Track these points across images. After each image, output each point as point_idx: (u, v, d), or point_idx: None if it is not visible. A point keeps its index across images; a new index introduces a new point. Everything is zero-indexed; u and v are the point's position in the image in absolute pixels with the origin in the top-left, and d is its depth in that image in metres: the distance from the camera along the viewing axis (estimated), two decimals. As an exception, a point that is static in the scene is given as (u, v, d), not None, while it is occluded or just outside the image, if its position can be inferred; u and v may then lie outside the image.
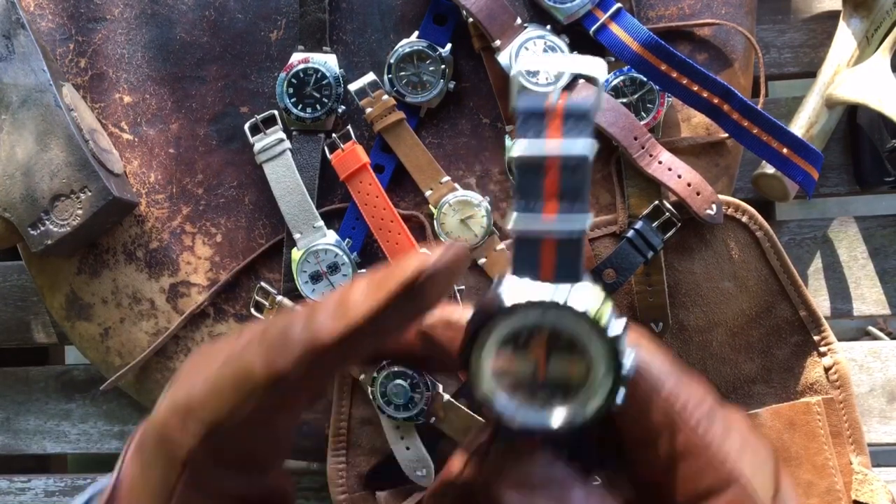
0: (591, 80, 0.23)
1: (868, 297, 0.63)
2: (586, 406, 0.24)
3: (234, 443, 0.26)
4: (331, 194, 0.58)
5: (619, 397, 0.24)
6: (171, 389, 0.27)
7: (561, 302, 0.23)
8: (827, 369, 0.56)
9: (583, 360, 0.24)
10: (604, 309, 0.24)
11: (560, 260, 0.24)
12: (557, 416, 0.25)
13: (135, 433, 0.29)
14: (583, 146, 0.23)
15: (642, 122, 0.54)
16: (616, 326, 0.24)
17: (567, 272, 0.24)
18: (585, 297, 0.24)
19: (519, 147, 0.23)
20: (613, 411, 0.25)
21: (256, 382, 0.24)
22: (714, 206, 0.53)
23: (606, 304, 0.24)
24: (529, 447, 0.26)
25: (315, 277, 0.56)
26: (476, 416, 0.54)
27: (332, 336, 0.24)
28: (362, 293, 0.23)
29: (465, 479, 0.27)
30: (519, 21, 0.54)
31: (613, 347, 0.24)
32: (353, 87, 0.56)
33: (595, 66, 0.23)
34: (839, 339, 0.56)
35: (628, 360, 0.24)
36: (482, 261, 0.56)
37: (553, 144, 0.23)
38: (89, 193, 0.55)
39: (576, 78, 0.54)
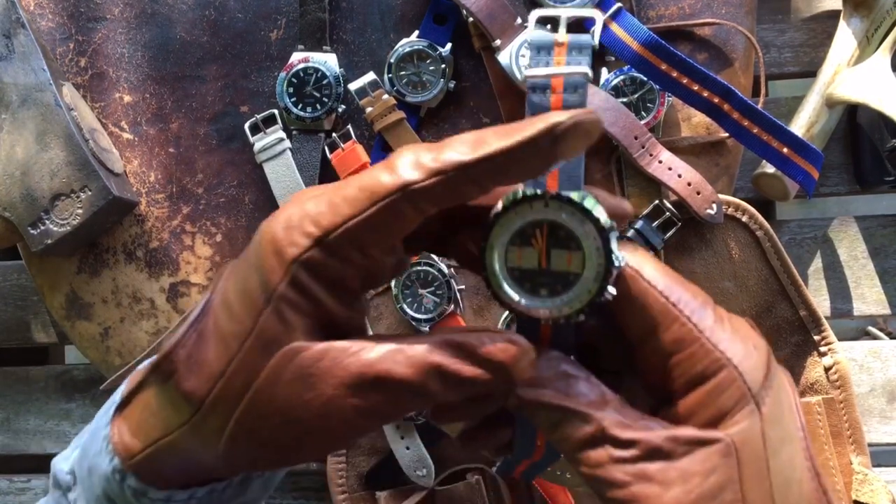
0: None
1: (868, 297, 0.63)
2: (583, 294, 0.28)
3: (336, 260, 0.28)
4: (331, 194, 0.58)
5: (611, 286, 0.28)
6: (275, 214, 0.29)
7: (559, 193, 0.28)
8: (827, 369, 0.56)
9: (579, 252, 0.28)
10: (597, 206, 0.28)
11: (561, 176, 0.28)
12: (558, 303, 0.29)
13: (227, 264, 0.31)
14: (582, 69, 0.28)
15: (642, 122, 0.54)
16: (607, 220, 0.28)
17: (568, 184, 0.28)
18: (579, 194, 0.28)
19: (530, 71, 0.28)
20: (607, 299, 0.28)
21: (381, 188, 0.27)
22: (714, 206, 0.53)
23: (599, 205, 0.28)
24: (540, 347, 0.29)
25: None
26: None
27: (465, 159, 0.26)
28: (498, 135, 0.26)
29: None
30: (519, 21, 0.54)
31: (605, 237, 0.28)
32: (353, 86, 0.56)
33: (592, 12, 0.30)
34: (839, 339, 0.56)
35: (619, 253, 0.28)
36: (482, 260, 0.56)
37: (558, 69, 0.28)
38: (89, 193, 0.55)
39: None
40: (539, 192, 0.28)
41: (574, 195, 0.28)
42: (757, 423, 0.28)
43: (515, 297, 0.29)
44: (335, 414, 0.28)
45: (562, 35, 0.28)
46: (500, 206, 0.29)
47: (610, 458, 0.28)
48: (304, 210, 0.28)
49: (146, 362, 0.34)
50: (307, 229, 0.27)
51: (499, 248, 0.29)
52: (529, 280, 0.29)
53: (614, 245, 0.28)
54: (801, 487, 0.29)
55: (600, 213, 0.28)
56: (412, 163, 0.27)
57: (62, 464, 0.36)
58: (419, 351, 0.28)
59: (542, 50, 0.28)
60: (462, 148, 0.26)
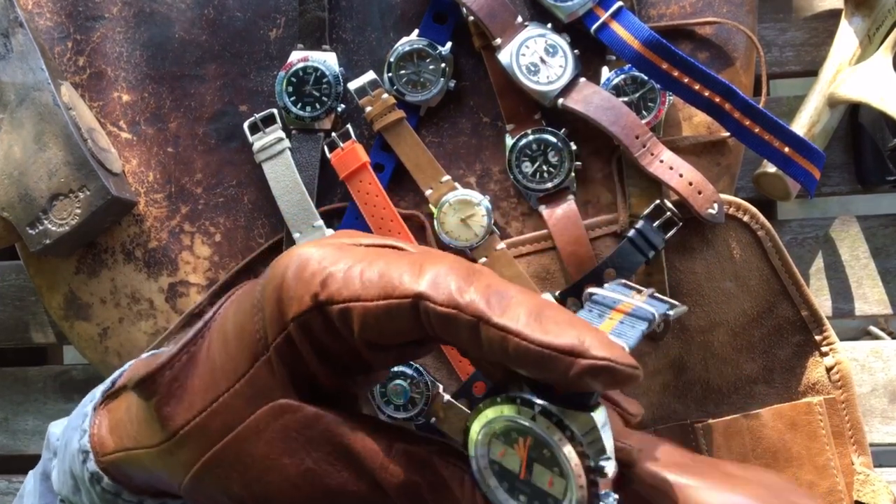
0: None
1: (870, 297, 0.63)
2: None
3: (329, 333, 0.27)
4: (330, 193, 0.58)
5: None
6: (297, 249, 0.28)
7: (551, 410, 0.24)
8: (829, 369, 0.55)
9: (562, 480, 0.25)
10: (597, 434, 0.24)
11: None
12: None
13: (237, 287, 0.30)
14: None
15: (643, 121, 0.54)
16: (604, 461, 0.24)
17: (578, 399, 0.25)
18: (581, 421, 0.24)
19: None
20: None
21: (397, 289, 0.26)
22: (715, 206, 0.53)
23: (601, 430, 0.24)
24: None
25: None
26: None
27: (488, 316, 0.24)
28: (556, 326, 0.24)
29: None
30: (520, 19, 0.54)
31: (592, 481, 0.24)
32: (352, 85, 0.56)
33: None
34: (841, 339, 0.56)
35: (611, 498, 0.25)
36: (483, 260, 0.56)
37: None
38: (88, 193, 0.54)
39: (576, 77, 0.54)
40: (530, 398, 0.25)
41: (572, 418, 0.24)
42: None
43: (493, 486, 0.26)
44: (309, 485, 0.27)
45: (625, 303, 0.27)
46: (489, 390, 0.27)
47: None
48: (321, 264, 0.27)
49: (152, 353, 0.34)
50: (314, 289, 0.26)
51: (482, 433, 0.26)
52: (508, 481, 0.26)
53: (600, 483, 0.25)
54: None
55: (597, 449, 0.25)
56: (441, 282, 0.25)
57: (55, 428, 0.37)
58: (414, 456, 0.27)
59: (595, 306, 0.27)
60: (494, 301, 0.24)
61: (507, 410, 0.25)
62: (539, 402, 0.24)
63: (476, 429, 0.26)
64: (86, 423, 0.33)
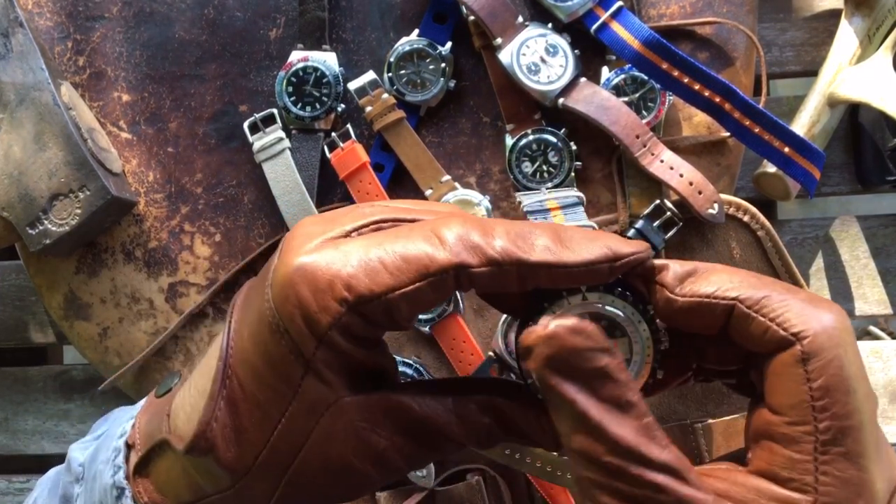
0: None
1: (870, 297, 0.63)
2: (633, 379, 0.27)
3: (370, 325, 0.27)
4: (330, 193, 0.58)
5: (658, 372, 0.28)
6: (295, 256, 0.27)
7: (594, 287, 0.27)
8: (829, 369, 0.55)
9: (625, 339, 0.28)
10: (637, 294, 0.27)
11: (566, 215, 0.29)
12: None
13: (236, 300, 0.30)
14: (584, 221, 0.29)
15: (643, 121, 0.54)
16: (646, 304, 0.28)
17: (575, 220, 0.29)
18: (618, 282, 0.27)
19: None
20: (658, 378, 0.28)
21: (433, 266, 0.26)
22: (716, 206, 0.53)
23: (638, 294, 0.27)
24: None
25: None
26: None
27: (526, 258, 0.26)
28: (581, 244, 0.26)
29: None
30: (520, 19, 0.54)
31: (647, 318, 0.28)
32: (352, 85, 0.56)
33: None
34: (841, 339, 0.56)
35: (663, 331, 0.28)
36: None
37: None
38: (88, 193, 0.54)
39: (576, 76, 0.54)
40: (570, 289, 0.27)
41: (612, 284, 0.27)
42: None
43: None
44: (391, 462, 0.29)
45: (550, 201, 0.29)
46: (530, 304, 0.28)
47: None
48: (331, 269, 0.26)
49: (146, 402, 0.34)
50: (340, 294, 0.26)
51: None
52: None
53: (658, 324, 0.28)
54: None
55: (640, 297, 0.27)
56: (467, 244, 0.26)
57: (77, 453, 0.36)
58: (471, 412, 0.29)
59: (537, 215, 0.29)
60: (521, 244, 0.26)
61: (556, 308, 0.28)
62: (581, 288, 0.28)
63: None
64: (119, 458, 0.33)
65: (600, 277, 0.26)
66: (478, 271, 0.26)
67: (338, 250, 0.27)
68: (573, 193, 0.29)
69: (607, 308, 0.28)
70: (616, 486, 0.25)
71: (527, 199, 0.30)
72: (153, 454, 0.32)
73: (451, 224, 0.27)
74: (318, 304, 0.26)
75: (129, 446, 0.33)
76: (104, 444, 0.35)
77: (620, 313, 0.28)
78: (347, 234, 0.28)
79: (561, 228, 0.27)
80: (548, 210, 0.29)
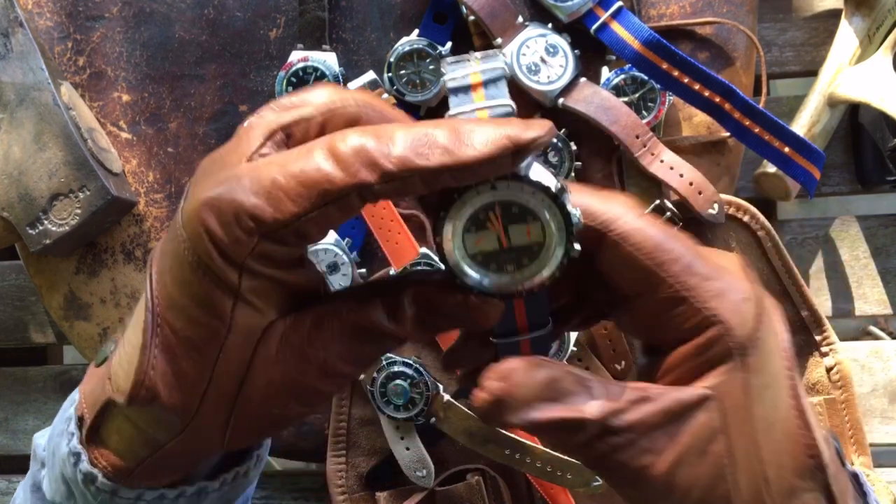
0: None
1: (870, 297, 0.63)
2: (551, 259, 0.29)
3: (284, 247, 0.27)
4: (330, 193, 0.58)
5: (576, 244, 0.28)
6: (199, 193, 0.27)
7: (502, 176, 0.27)
8: (829, 369, 0.55)
9: (537, 223, 0.29)
10: (542, 172, 0.28)
11: (487, 89, 0.29)
12: (527, 274, 0.29)
13: (153, 254, 0.30)
14: (503, 102, 0.29)
15: (643, 121, 0.54)
16: (556, 182, 0.28)
17: (495, 97, 0.28)
18: (522, 167, 0.28)
19: (454, 111, 0.29)
20: (574, 257, 0.28)
21: (333, 188, 0.26)
22: (716, 206, 0.53)
23: (543, 169, 0.28)
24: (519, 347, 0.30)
25: (314, 277, 0.56)
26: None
27: (424, 165, 0.26)
28: (480, 139, 0.26)
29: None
30: (520, 19, 0.54)
31: (559, 202, 0.28)
32: (352, 85, 0.56)
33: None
34: (840, 339, 0.56)
35: (575, 210, 0.28)
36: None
37: (482, 104, 0.29)
38: (88, 193, 0.54)
39: (576, 76, 0.54)
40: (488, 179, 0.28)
41: (517, 169, 0.28)
42: (739, 375, 0.29)
43: (482, 279, 0.29)
44: (335, 369, 0.29)
45: (474, 75, 0.30)
46: (442, 196, 0.29)
47: (609, 447, 0.29)
48: (234, 200, 0.27)
49: (88, 374, 0.34)
50: (247, 225, 0.26)
51: (455, 238, 0.29)
52: (494, 261, 0.29)
53: (569, 206, 0.28)
54: (786, 426, 0.30)
55: (548, 179, 0.28)
56: (365, 160, 0.26)
57: (40, 439, 0.37)
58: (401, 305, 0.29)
59: (459, 92, 0.30)
60: (420, 149, 0.26)
61: (467, 199, 0.28)
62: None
63: (449, 232, 0.29)
64: (71, 426, 0.33)
65: (505, 168, 0.27)
66: (381, 189, 0.26)
67: (238, 181, 0.27)
68: (499, 65, 0.29)
69: (516, 195, 0.28)
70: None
71: (451, 71, 0.30)
72: (101, 419, 0.32)
73: (346, 138, 0.27)
74: (228, 236, 0.27)
75: (79, 419, 0.33)
76: (58, 418, 0.35)
77: (531, 199, 0.28)
78: (249, 159, 0.28)
79: (459, 123, 0.27)
80: (470, 87, 0.30)
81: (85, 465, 0.32)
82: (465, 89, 0.29)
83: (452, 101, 0.30)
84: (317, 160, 0.27)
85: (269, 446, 0.38)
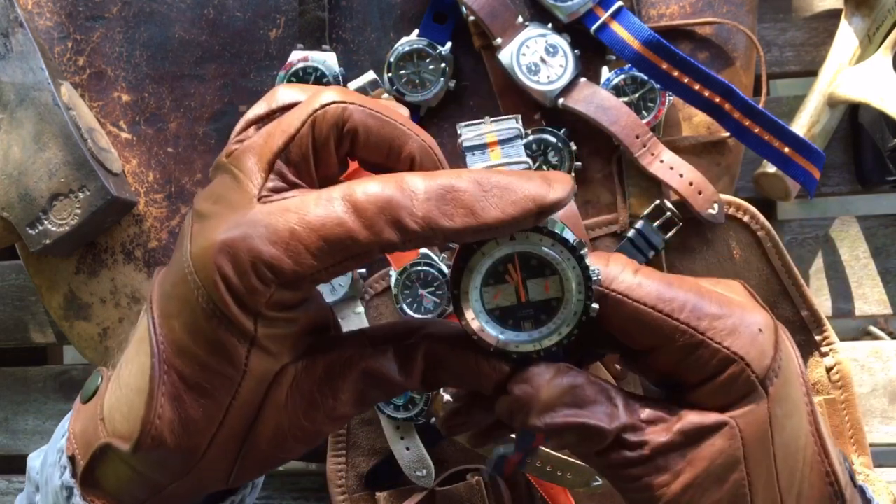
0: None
1: (870, 297, 0.63)
2: (569, 317, 0.29)
3: (299, 293, 0.27)
4: (330, 193, 0.58)
5: (594, 304, 0.29)
6: (211, 235, 0.27)
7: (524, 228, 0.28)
8: (829, 369, 0.55)
9: (555, 277, 0.29)
10: (560, 226, 0.28)
11: (503, 148, 0.29)
12: (545, 332, 0.29)
13: (151, 295, 0.29)
14: (520, 159, 0.29)
15: (643, 121, 0.54)
16: (574, 237, 0.28)
17: (512, 157, 0.29)
18: (548, 223, 0.28)
19: (470, 167, 0.29)
20: (592, 315, 0.29)
21: (356, 248, 0.26)
22: (716, 206, 0.53)
23: (561, 223, 0.28)
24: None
25: (314, 277, 0.56)
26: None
27: (450, 227, 0.26)
28: (504, 197, 0.26)
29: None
30: (520, 19, 0.54)
31: (578, 255, 0.28)
32: (352, 85, 0.56)
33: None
34: (840, 339, 0.56)
35: (594, 266, 0.29)
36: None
37: (497, 161, 0.29)
38: (88, 193, 0.54)
39: (576, 76, 0.54)
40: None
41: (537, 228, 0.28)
42: (763, 405, 0.29)
43: (501, 336, 0.29)
44: (341, 414, 0.29)
45: (489, 135, 0.30)
46: (464, 249, 0.29)
47: (624, 459, 0.29)
48: (253, 249, 0.26)
49: (75, 410, 0.33)
50: (265, 275, 0.26)
51: (473, 292, 0.29)
52: (512, 317, 0.29)
53: (588, 260, 0.28)
54: (805, 454, 0.31)
55: (567, 233, 0.28)
56: (389, 218, 0.26)
57: (35, 461, 0.37)
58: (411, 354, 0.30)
59: (476, 150, 0.30)
60: (444, 207, 0.26)
61: (486, 251, 0.28)
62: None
63: (468, 286, 0.29)
64: (63, 459, 0.33)
65: (526, 226, 0.27)
66: (402, 245, 0.26)
67: (253, 227, 0.26)
68: (514, 126, 0.29)
69: (535, 247, 0.28)
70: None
71: (466, 132, 0.30)
72: (95, 461, 0.31)
73: (367, 189, 0.26)
74: (245, 286, 0.26)
75: (70, 459, 0.33)
76: (51, 447, 0.35)
77: (550, 252, 0.28)
78: (260, 199, 0.28)
79: (484, 177, 0.27)
80: (486, 145, 0.30)
81: (78, 500, 0.32)
82: (482, 147, 0.30)
83: (469, 159, 0.30)
84: (338, 213, 0.26)
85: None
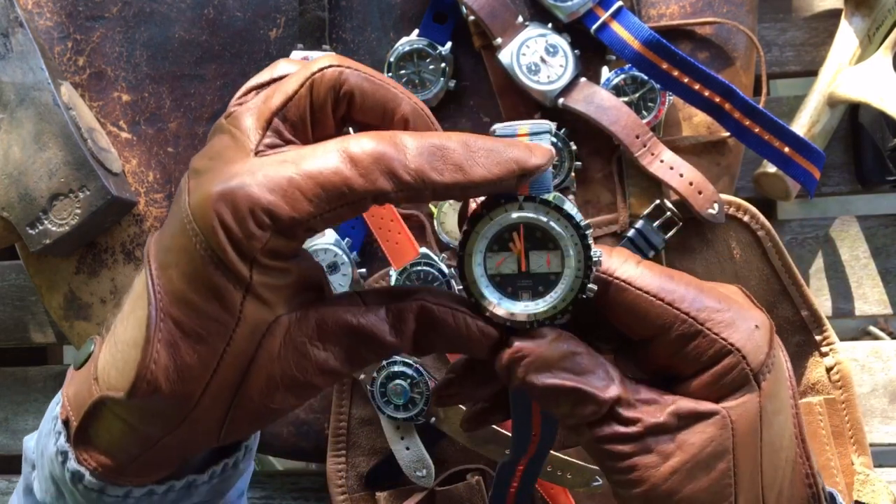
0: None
1: (870, 297, 0.63)
2: (566, 293, 0.29)
3: (294, 241, 0.28)
4: (330, 193, 0.58)
5: (591, 281, 0.29)
6: (209, 186, 0.27)
7: (532, 196, 0.29)
8: (829, 369, 0.55)
9: (557, 252, 0.29)
10: (569, 204, 0.29)
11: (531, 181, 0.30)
12: (542, 305, 0.29)
13: (148, 250, 0.30)
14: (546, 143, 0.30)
15: (643, 121, 0.54)
16: (581, 216, 0.29)
17: (538, 187, 0.29)
18: (552, 195, 0.29)
19: None
20: (589, 296, 0.29)
21: (352, 194, 0.27)
22: (716, 206, 0.53)
23: (570, 202, 0.29)
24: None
25: (314, 277, 0.56)
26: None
27: (440, 180, 0.27)
28: (489, 159, 0.28)
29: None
30: (520, 19, 0.54)
31: (582, 233, 0.29)
32: (352, 85, 0.56)
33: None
34: (840, 339, 0.56)
35: (596, 249, 0.29)
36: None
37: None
38: (88, 193, 0.54)
39: (576, 76, 0.54)
40: (513, 195, 0.29)
41: (547, 196, 0.29)
42: (755, 399, 0.30)
43: (497, 301, 0.30)
44: (332, 370, 0.30)
45: (522, 127, 0.31)
46: (473, 213, 0.30)
47: (615, 433, 0.30)
48: (251, 196, 0.27)
49: (69, 377, 0.34)
50: (263, 220, 0.27)
51: (477, 255, 0.30)
52: (510, 285, 0.30)
53: (591, 241, 0.29)
54: (788, 453, 0.31)
55: (574, 211, 0.29)
56: (382, 168, 0.27)
57: (30, 441, 0.37)
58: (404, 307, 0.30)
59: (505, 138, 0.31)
60: (434, 163, 0.27)
61: (494, 216, 0.29)
62: (518, 195, 0.29)
63: (473, 248, 0.30)
64: (58, 425, 0.33)
65: (508, 189, 0.28)
66: (395, 196, 0.27)
67: (252, 175, 0.27)
68: (546, 123, 0.30)
69: (542, 219, 0.29)
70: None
71: (500, 129, 0.31)
72: (89, 420, 0.32)
73: (361, 142, 0.27)
74: (243, 231, 0.27)
75: (65, 423, 0.33)
76: (45, 419, 0.35)
77: (556, 226, 0.29)
78: (256, 153, 0.28)
79: (471, 139, 0.28)
80: (516, 135, 0.31)
81: (72, 463, 0.32)
82: (511, 136, 0.31)
83: None
84: (335, 163, 0.27)
85: (258, 437, 0.39)
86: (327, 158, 0.27)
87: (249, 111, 0.29)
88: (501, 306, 0.30)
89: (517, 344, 0.30)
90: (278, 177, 0.27)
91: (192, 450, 0.32)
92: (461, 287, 0.30)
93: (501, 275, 0.30)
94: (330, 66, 0.30)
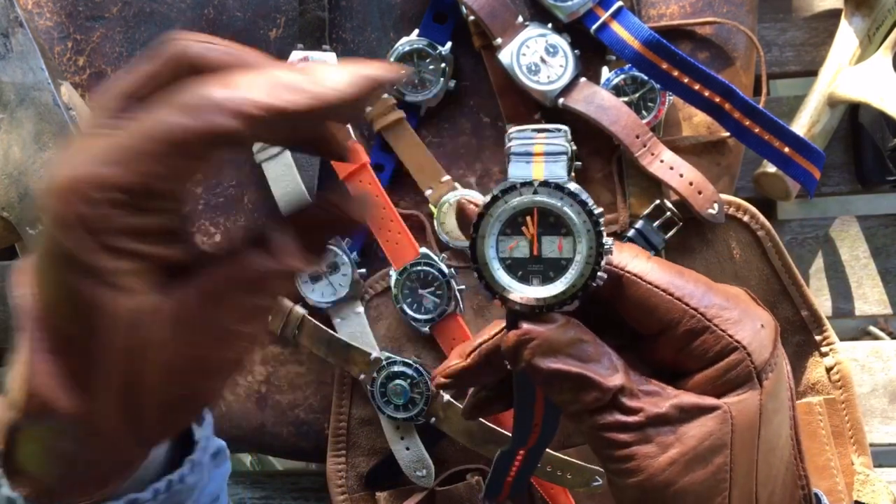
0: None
1: (870, 297, 0.63)
2: (576, 279, 0.30)
3: (147, 209, 0.25)
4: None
5: (602, 270, 0.29)
6: (48, 189, 0.25)
7: (547, 179, 0.30)
8: (829, 369, 0.55)
9: (570, 238, 0.30)
10: (583, 191, 0.30)
11: (546, 165, 0.30)
12: (551, 290, 0.30)
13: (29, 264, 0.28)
14: (561, 174, 0.30)
15: (643, 121, 0.54)
16: (594, 203, 0.29)
17: (553, 173, 0.30)
18: (568, 181, 0.30)
19: (513, 171, 0.31)
20: (599, 284, 0.30)
21: (198, 146, 0.24)
22: (716, 206, 0.53)
23: (585, 192, 0.30)
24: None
25: (315, 277, 0.56)
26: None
27: (297, 104, 0.25)
28: (336, 79, 0.25)
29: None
30: (520, 19, 0.54)
31: (595, 220, 0.29)
32: (352, 85, 0.56)
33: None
34: (840, 339, 0.56)
35: (608, 238, 0.30)
36: (482, 260, 0.56)
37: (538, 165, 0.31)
38: (88, 192, 0.54)
39: (576, 76, 0.54)
40: (528, 179, 0.30)
41: (562, 181, 0.29)
42: (757, 396, 0.30)
43: (509, 284, 0.30)
44: (234, 335, 0.28)
45: (537, 145, 0.31)
46: (489, 196, 0.30)
47: (616, 422, 0.30)
48: (85, 175, 0.24)
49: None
50: (113, 198, 0.24)
51: (490, 238, 0.30)
52: (521, 268, 0.30)
53: (603, 228, 0.30)
54: (783, 453, 0.32)
55: (588, 198, 0.29)
56: (225, 109, 0.24)
57: None
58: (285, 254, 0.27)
59: (521, 158, 0.31)
60: (282, 94, 0.25)
61: (509, 199, 0.30)
62: (533, 180, 0.30)
63: (486, 230, 0.30)
64: None
65: (363, 105, 0.27)
66: (246, 133, 0.25)
67: (85, 155, 0.25)
68: (561, 141, 0.31)
69: (556, 204, 0.29)
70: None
71: (516, 140, 0.31)
72: (10, 445, 0.30)
73: (189, 88, 0.25)
74: (94, 216, 0.24)
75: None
76: None
77: (569, 211, 0.29)
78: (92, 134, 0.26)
79: (309, 68, 0.26)
80: (531, 154, 0.31)
81: (5, 489, 0.30)
82: (527, 156, 0.31)
83: (512, 165, 0.31)
84: (163, 115, 0.25)
85: (207, 450, 0.36)
86: (156, 114, 0.25)
87: (105, 93, 0.27)
88: (512, 289, 0.30)
89: (525, 326, 0.30)
90: (110, 147, 0.25)
91: (118, 461, 0.30)
92: (474, 270, 0.30)
93: (513, 258, 0.30)
94: (174, 40, 0.27)
